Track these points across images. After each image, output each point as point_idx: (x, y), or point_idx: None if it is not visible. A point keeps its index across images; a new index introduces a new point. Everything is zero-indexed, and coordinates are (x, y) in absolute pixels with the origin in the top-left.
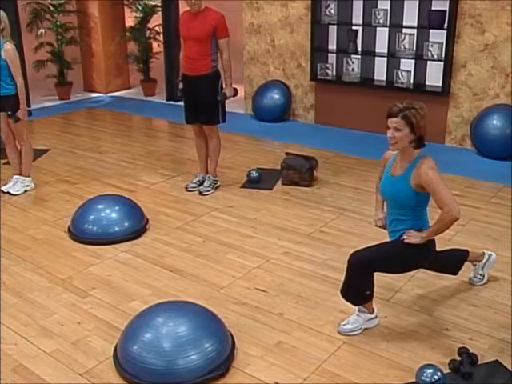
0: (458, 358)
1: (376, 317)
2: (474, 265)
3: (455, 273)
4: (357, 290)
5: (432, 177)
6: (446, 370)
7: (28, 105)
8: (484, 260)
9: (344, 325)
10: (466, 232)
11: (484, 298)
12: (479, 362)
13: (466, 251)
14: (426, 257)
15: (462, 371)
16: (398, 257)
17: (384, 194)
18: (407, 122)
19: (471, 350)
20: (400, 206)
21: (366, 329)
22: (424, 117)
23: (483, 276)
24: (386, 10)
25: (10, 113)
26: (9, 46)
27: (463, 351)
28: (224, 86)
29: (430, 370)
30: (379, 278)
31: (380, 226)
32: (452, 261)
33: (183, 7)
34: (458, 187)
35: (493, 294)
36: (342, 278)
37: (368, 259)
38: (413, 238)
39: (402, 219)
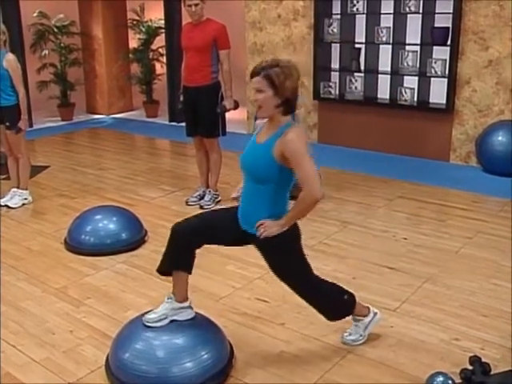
0: (470, 368)
1: (376, 314)
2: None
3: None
4: (333, 303)
5: (297, 146)
6: (457, 380)
7: (29, 122)
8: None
9: (347, 336)
10: (473, 244)
11: (494, 308)
12: (492, 372)
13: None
14: (297, 233)
15: (474, 381)
16: (289, 258)
17: (243, 163)
18: (269, 82)
19: (483, 360)
20: (257, 178)
21: (372, 338)
22: (290, 76)
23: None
24: (389, 27)
25: (8, 124)
26: (11, 56)
27: (475, 360)
28: (224, 97)
29: (441, 378)
30: (384, 288)
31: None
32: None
33: (186, 20)
34: (465, 202)
35: (503, 304)
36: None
37: (301, 282)
38: (269, 228)
39: (257, 198)
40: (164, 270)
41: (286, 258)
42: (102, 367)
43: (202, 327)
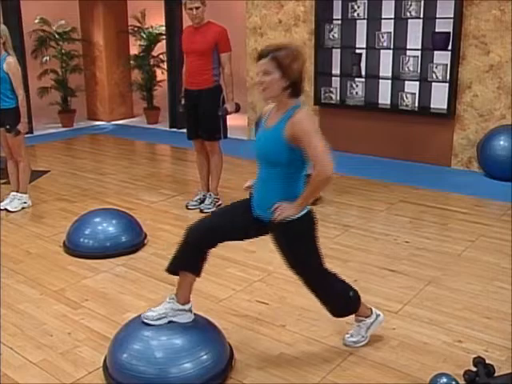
0: (474, 369)
1: (378, 315)
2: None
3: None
4: (340, 298)
5: (307, 126)
6: (461, 382)
7: (30, 128)
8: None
9: (348, 337)
10: (475, 247)
11: (497, 310)
12: (496, 374)
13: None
14: (314, 222)
15: (478, 382)
16: (304, 247)
17: (256, 149)
18: (277, 64)
19: (487, 361)
20: (272, 163)
21: (374, 340)
22: (297, 59)
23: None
24: (390, 32)
25: (8, 127)
26: (11, 59)
27: (479, 361)
28: (226, 100)
29: (444, 380)
30: (386, 290)
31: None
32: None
33: (187, 23)
34: (467, 206)
35: (506, 306)
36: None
37: (312, 271)
38: (285, 211)
39: (272, 182)
40: (172, 269)
41: (300, 245)
42: (100, 368)
43: (202, 328)
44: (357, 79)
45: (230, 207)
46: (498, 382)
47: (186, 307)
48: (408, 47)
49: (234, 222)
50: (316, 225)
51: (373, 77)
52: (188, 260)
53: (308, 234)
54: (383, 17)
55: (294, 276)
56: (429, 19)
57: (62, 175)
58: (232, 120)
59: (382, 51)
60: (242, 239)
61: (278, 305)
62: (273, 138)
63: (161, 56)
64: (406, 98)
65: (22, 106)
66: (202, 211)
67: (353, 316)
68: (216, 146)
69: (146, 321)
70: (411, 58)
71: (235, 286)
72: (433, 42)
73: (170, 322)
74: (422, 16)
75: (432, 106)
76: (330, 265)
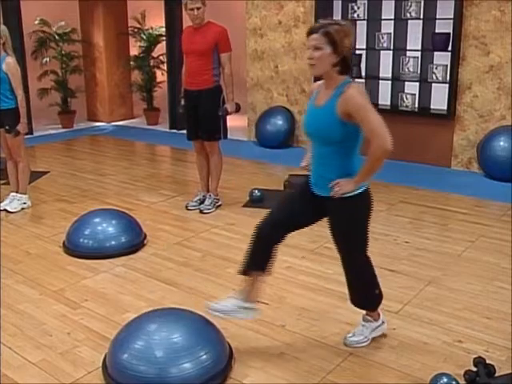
0: (474, 369)
1: (383, 322)
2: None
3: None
4: (366, 289)
5: (360, 101)
6: (462, 382)
7: (30, 129)
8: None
9: (350, 336)
10: (475, 248)
11: (497, 310)
12: (496, 374)
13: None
14: (371, 201)
15: (479, 382)
16: (358, 225)
17: (307, 129)
18: (328, 39)
19: (488, 362)
20: (325, 141)
21: (374, 340)
22: (348, 35)
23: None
24: (390, 33)
25: (8, 127)
26: (10, 60)
27: (479, 361)
28: (226, 101)
29: (445, 380)
30: (386, 290)
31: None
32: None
33: (187, 23)
34: (467, 206)
35: (507, 306)
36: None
37: (358, 252)
38: (344, 186)
39: (327, 160)
40: (246, 270)
41: (354, 225)
42: (99, 368)
43: (201, 328)
44: (357, 80)
45: (288, 195)
46: (499, 382)
47: (254, 305)
48: (408, 48)
49: (299, 208)
50: (372, 204)
51: (373, 77)
52: (260, 259)
53: (363, 212)
54: (383, 17)
55: (293, 277)
56: (429, 20)
57: (62, 176)
58: (232, 120)
59: (382, 52)
60: (307, 225)
61: (278, 305)
62: (325, 116)
63: (161, 57)
64: (406, 98)
65: (22, 107)
66: (201, 212)
67: (354, 317)
68: (216, 147)
69: (213, 312)
70: (411, 59)
71: (235, 287)
72: (433, 42)
73: (172, 320)
74: (421, 17)
75: (432, 106)
76: (330, 265)
